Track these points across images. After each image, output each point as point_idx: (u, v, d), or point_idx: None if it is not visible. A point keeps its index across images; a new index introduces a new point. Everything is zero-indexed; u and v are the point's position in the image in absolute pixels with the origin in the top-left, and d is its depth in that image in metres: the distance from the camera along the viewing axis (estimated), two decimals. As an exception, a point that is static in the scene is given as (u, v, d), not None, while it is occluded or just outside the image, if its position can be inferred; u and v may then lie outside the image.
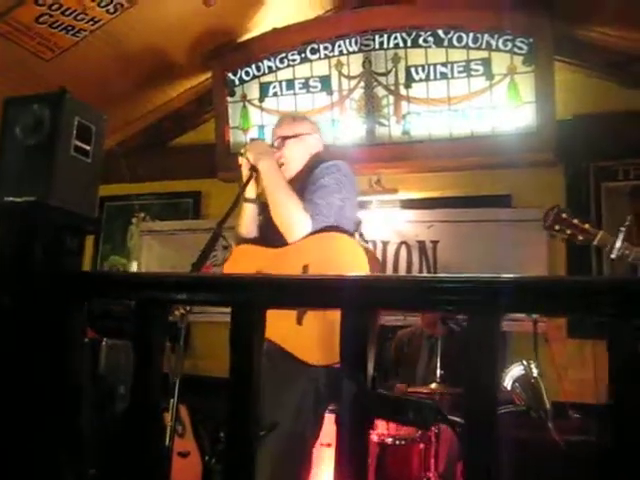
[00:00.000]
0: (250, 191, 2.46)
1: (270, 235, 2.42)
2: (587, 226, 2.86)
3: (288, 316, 2.21)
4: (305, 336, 2.18)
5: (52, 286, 1.12)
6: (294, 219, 2.30)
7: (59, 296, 1.12)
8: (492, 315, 0.83)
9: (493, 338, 0.82)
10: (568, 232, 2.86)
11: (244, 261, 2.41)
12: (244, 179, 2.43)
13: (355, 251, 2.26)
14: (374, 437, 3.40)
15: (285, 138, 2.53)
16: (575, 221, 2.86)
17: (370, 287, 0.96)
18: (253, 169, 2.40)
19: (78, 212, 1.30)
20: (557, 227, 2.89)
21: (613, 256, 2.77)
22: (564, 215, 2.89)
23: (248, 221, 2.48)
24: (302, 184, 2.43)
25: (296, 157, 2.51)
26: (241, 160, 2.46)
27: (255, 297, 1.01)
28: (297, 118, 2.73)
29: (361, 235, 2.90)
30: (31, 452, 1.11)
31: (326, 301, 1.01)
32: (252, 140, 2.50)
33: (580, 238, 2.85)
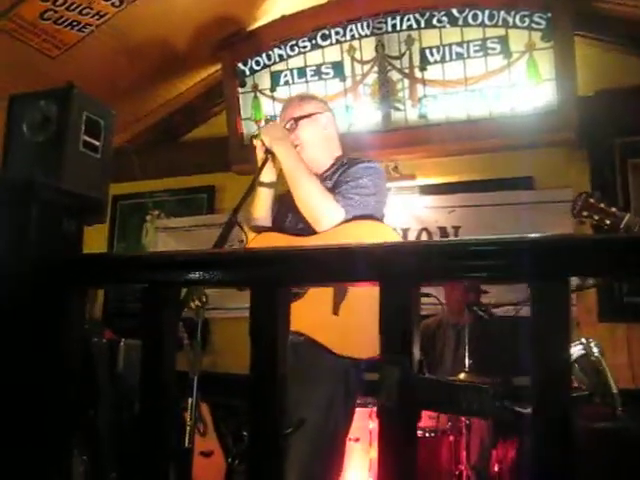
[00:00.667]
0: (266, 175, 2.35)
1: (290, 226, 2.33)
2: (614, 210, 2.78)
3: (323, 307, 2.11)
4: (341, 326, 2.08)
5: (47, 272, 1.01)
6: (324, 207, 2.22)
7: (55, 283, 1.01)
8: (561, 281, 0.70)
9: (565, 310, 0.69)
10: (596, 217, 2.79)
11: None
12: (259, 162, 2.32)
13: (394, 238, 2.17)
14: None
15: (297, 119, 2.42)
16: (602, 205, 2.78)
17: (416, 254, 0.83)
18: (268, 152, 2.29)
19: (76, 193, 1.21)
20: (585, 213, 2.82)
21: None
22: (592, 200, 2.82)
23: (263, 207, 2.37)
24: (336, 180, 2.36)
25: (311, 138, 2.41)
26: (255, 142, 2.35)
27: (277, 273, 0.89)
28: (305, 97, 2.62)
29: None
30: (34, 453, 1.01)
31: (360, 274, 0.88)
32: (267, 121, 2.39)
33: (607, 222, 2.77)
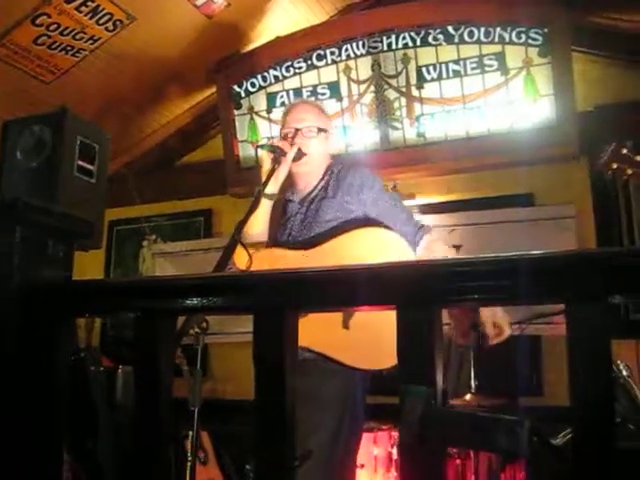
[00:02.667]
0: (270, 186, 2.29)
1: (295, 235, 2.29)
2: None
3: (332, 321, 2.05)
4: (353, 340, 2.03)
5: (32, 299, 0.94)
6: None
7: (40, 311, 0.94)
8: (599, 300, 0.63)
9: (604, 331, 0.63)
10: (629, 172, 2.46)
11: (274, 267, 2.25)
12: (264, 173, 2.26)
13: (400, 244, 2.13)
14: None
15: (320, 130, 2.39)
16: (639, 158, 2.44)
17: (437, 275, 0.76)
18: (276, 161, 2.23)
19: (66, 214, 1.15)
20: (615, 165, 2.49)
21: None
22: (624, 151, 2.47)
23: (260, 222, 2.31)
24: (329, 181, 2.35)
25: (320, 153, 2.40)
26: (263, 153, 2.30)
27: (281, 298, 0.82)
28: (324, 110, 2.58)
29: None
30: None
31: (374, 297, 0.80)
32: (260, 146, 2.34)
33: None
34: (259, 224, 2.29)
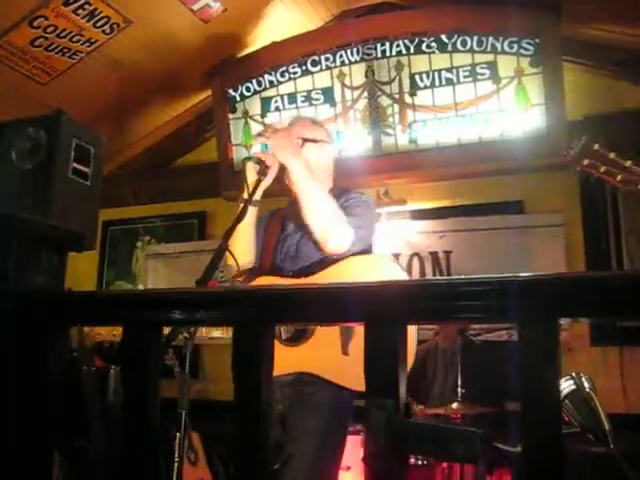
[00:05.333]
0: (256, 195, 2.31)
1: (292, 257, 2.30)
2: (629, 163, 2.27)
3: (332, 348, 2.08)
4: (351, 365, 2.04)
5: (27, 309, 0.98)
6: (339, 225, 2.15)
7: (35, 321, 0.99)
8: (549, 322, 0.69)
9: (554, 349, 0.68)
10: (602, 170, 2.29)
11: None
12: (249, 185, 2.27)
13: (392, 267, 2.16)
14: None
15: (306, 140, 2.40)
16: (612, 155, 2.30)
17: (401, 295, 0.81)
18: (262, 173, 2.25)
19: (59, 226, 1.19)
20: (587, 162, 2.33)
21: None
22: (596, 147, 2.33)
23: (244, 245, 2.32)
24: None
25: (314, 164, 2.38)
26: (249, 165, 2.30)
27: (261, 312, 0.87)
28: (316, 122, 2.60)
29: None
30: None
31: (345, 315, 0.86)
32: (273, 130, 2.29)
33: (619, 178, 2.27)
34: (242, 250, 2.29)
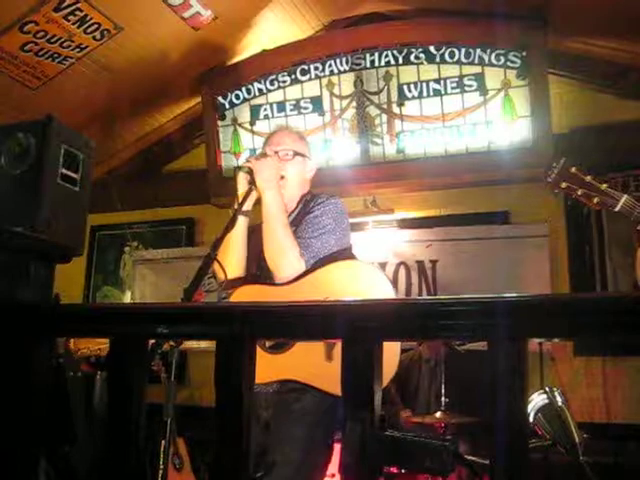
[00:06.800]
0: (247, 204, 2.35)
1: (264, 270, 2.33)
2: (605, 186, 2.32)
3: (316, 354, 2.10)
4: (336, 370, 2.06)
5: (13, 319, 1.00)
6: (286, 260, 2.23)
7: (19, 333, 1.01)
8: (516, 341, 0.72)
9: (521, 368, 0.71)
10: (579, 192, 2.33)
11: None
12: (239, 195, 2.31)
13: (378, 275, 2.18)
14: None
15: (295, 154, 2.45)
16: (589, 179, 2.33)
17: (376, 313, 0.84)
18: (252, 183, 2.29)
19: (46, 239, 1.20)
20: (564, 184, 2.36)
21: None
22: (574, 170, 2.36)
23: (237, 245, 2.37)
24: (298, 214, 2.40)
25: (295, 177, 2.43)
26: (240, 175, 2.34)
27: (241, 328, 0.90)
28: (303, 136, 2.64)
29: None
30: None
31: (322, 331, 0.89)
32: (262, 156, 2.34)
33: (596, 201, 2.31)
34: (232, 260, 2.34)
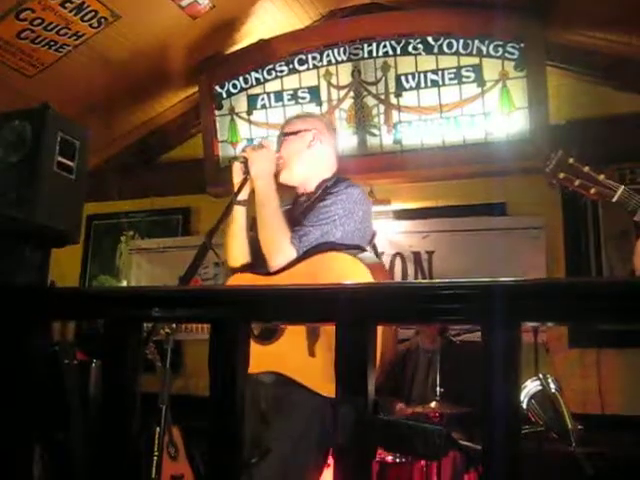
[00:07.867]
0: (243, 194, 2.35)
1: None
2: (602, 177, 2.33)
3: (299, 349, 2.11)
4: (318, 367, 2.07)
5: (9, 303, 1.00)
6: (275, 247, 2.23)
7: (17, 315, 1.01)
8: (510, 326, 0.72)
9: (514, 352, 0.71)
10: (577, 183, 2.34)
11: None
12: (235, 185, 2.32)
13: (356, 268, 2.15)
14: (373, 455, 3.25)
15: (284, 135, 2.45)
16: (586, 169, 2.34)
17: (370, 296, 0.84)
18: (247, 172, 2.30)
19: (41, 223, 1.20)
20: (562, 175, 2.37)
21: (637, 218, 2.31)
22: (571, 161, 2.37)
23: (238, 243, 2.37)
24: (314, 199, 2.38)
25: (294, 154, 2.40)
26: (235, 165, 2.35)
27: (236, 311, 0.91)
28: (302, 115, 2.65)
29: (374, 247, 2.68)
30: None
31: (316, 314, 0.90)
32: (259, 146, 2.34)
33: (593, 192, 2.33)
34: (236, 247, 2.35)
